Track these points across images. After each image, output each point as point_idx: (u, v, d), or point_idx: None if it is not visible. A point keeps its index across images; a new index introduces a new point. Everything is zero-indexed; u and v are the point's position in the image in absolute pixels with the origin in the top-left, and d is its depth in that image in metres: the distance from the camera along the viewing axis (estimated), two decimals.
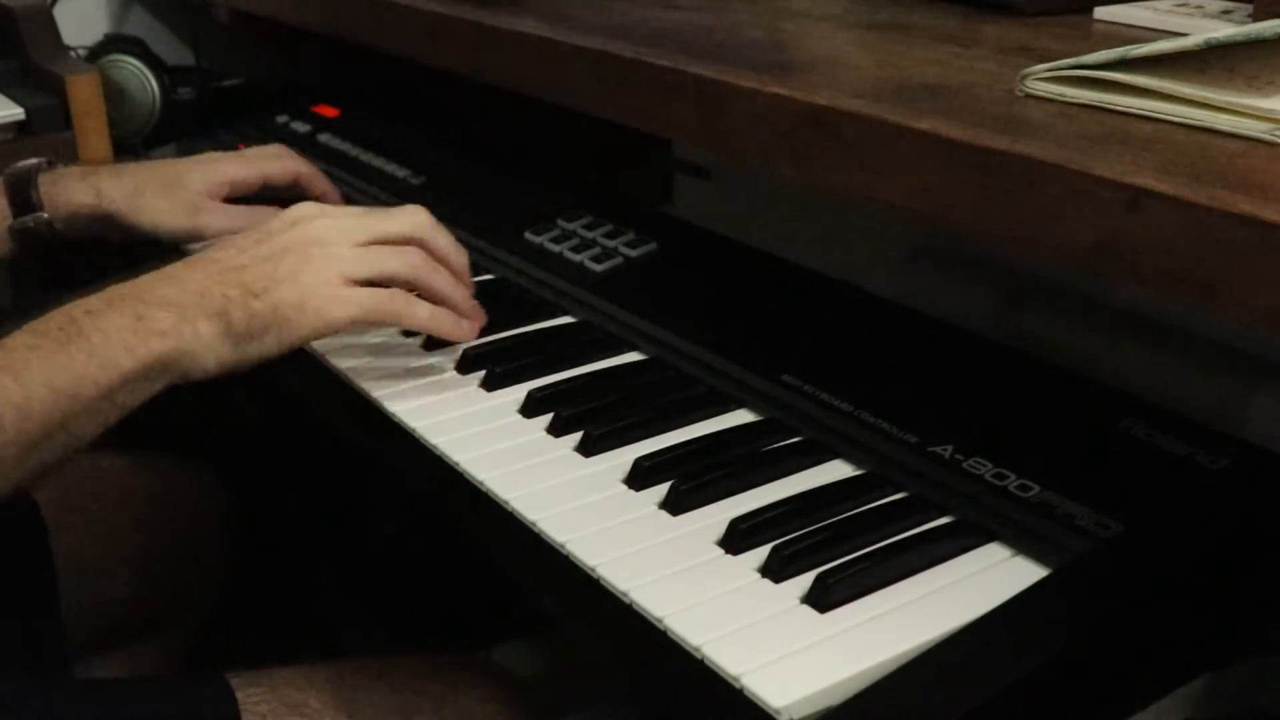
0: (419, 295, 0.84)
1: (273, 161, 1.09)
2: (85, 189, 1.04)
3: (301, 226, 0.82)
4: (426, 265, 0.84)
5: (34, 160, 1.06)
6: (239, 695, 0.79)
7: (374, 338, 0.89)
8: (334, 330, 0.80)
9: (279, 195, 1.08)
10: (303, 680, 0.82)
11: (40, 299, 1.10)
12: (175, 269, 0.80)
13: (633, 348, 0.87)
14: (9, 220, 1.04)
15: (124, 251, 1.11)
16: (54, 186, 1.04)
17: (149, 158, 1.36)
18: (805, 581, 0.62)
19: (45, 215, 1.03)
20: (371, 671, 0.85)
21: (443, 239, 0.86)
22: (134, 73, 1.47)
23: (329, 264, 0.80)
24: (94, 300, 0.77)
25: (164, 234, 1.04)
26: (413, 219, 0.85)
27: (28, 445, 0.73)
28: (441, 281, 0.85)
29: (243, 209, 1.06)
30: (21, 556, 1.01)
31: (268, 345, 0.79)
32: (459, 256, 0.87)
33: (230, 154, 1.11)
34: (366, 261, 0.81)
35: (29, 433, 0.72)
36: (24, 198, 1.04)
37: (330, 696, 0.81)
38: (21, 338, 0.75)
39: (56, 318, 0.76)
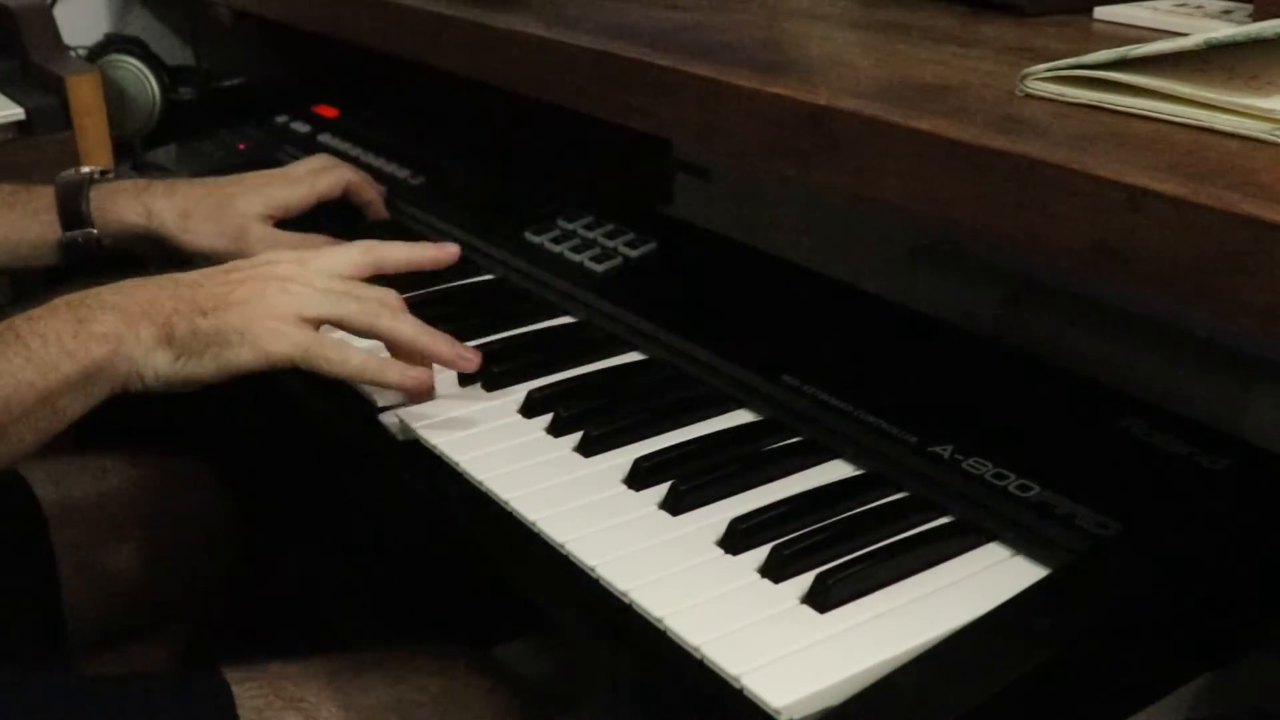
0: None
1: (323, 177, 1.08)
2: (137, 207, 1.03)
3: (271, 265, 0.83)
4: (388, 314, 0.82)
5: (86, 170, 1.06)
6: (235, 690, 0.79)
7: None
8: (271, 365, 0.79)
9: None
10: (300, 674, 0.82)
11: (41, 294, 1.09)
12: (128, 282, 0.80)
13: (633, 348, 0.87)
14: (58, 233, 1.03)
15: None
16: (105, 202, 1.04)
17: (149, 158, 1.36)
18: (805, 581, 0.62)
19: (95, 231, 1.03)
20: (369, 666, 0.85)
21: (391, 249, 0.87)
22: (134, 73, 1.47)
23: (286, 299, 0.80)
24: (38, 309, 0.76)
25: (209, 254, 1.03)
26: (353, 252, 0.85)
27: None
28: (404, 328, 0.82)
29: (290, 236, 1.05)
30: (24, 554, 1.02)
31: (205, 366, 0.78)
32: (412, 251, 0.88)
33: (281, 175, 1.09)
34: (323, 302, 0.81)
35: None
36: (74, 210, 1.03)
37: (328, 691, 0.81)
38: None
39: None
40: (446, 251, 0.88)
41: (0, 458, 0.74)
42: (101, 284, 0.80)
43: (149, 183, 1.07)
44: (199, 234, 1.03)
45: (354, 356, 0.80)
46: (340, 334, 0.83)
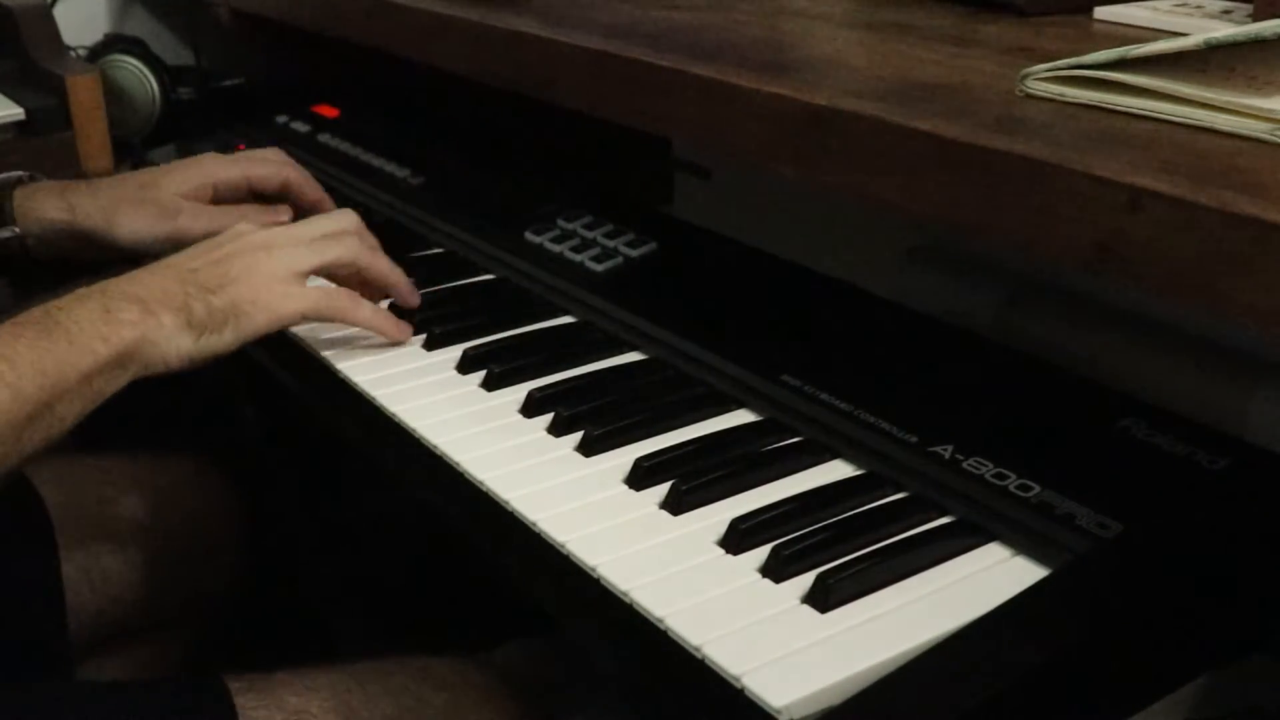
0: (364, 284, 0.91)
1: (259, 165, 1.07)
2: (59, 205, 1.01)
3: (246, 236, 0.88)
4: (366, 250, 0.90)
5: (12, 174, 1.04)
6: (238, 701, 0.79)
7: (375, 338, 0.90)
8: (285, 325, 0.86)
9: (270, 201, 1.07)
10: (302, 686, 0.81)
11: (9, 305, 1.08)
12: (136, 273, 0.85)
13: (633, 348, 0.87)
14: None
15: (95, 270, 1.08)
16: (27, 201, 1.02)
17: (149, 158, 1.36)
18: (806, 581, 0.62)
19: (17, 230, 1.01)
20: (371, 676, 0.85)
21: (371, 238, 0.92)
22: (134, 73, 1.47)
23: (277, 262, 0.86)
24: (64, 299, 0.80)
25: (144, 244, 1.01)
26: (343, 219, 0.92)
27: (20, 426, 0.76)
28: (383, 264, 0.91)
29: (226, 209, 1.03)
30: (28, 557, 1.01)
31: (225, 339, 0.83)
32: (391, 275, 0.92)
33: (215, 154, 1.08)
34: (311, 254, 0.87)
35: (21, 414, 0.76)
36: None
37: (330, 703, 0.81)
38: (5, 329, 0.78)
39: (33, 314, 0.79)
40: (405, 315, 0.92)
41: (49, 431, 0.78)
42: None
43: (72, 182, 1.06)
44: (127, 225, 1.01)
45: (364, 307, 0.88)
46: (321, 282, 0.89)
